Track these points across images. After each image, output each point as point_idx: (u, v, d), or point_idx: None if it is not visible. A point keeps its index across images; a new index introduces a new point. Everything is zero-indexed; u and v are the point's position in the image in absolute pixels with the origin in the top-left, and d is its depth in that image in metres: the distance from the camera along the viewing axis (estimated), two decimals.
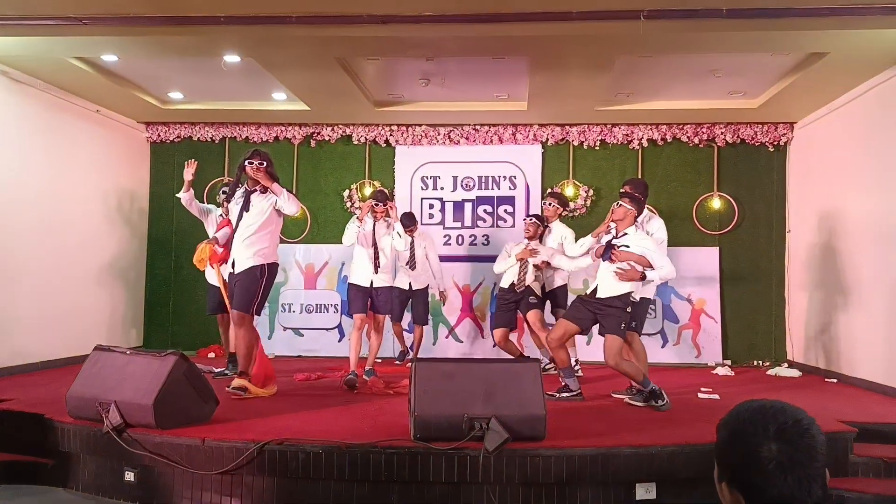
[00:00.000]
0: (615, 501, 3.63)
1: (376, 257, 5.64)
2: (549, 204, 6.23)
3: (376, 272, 5.63)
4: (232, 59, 5.77)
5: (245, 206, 4.95)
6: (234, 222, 5.00)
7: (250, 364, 4.92)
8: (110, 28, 4.81)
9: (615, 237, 4.87)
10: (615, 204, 4.91)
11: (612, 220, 4.96)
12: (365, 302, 5.64)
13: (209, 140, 7.98)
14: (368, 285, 5.64)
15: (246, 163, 4.88)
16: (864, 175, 6.07)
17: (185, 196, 5.88)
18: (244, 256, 4.93)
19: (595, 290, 4.86)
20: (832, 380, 6.33)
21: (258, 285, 4.95)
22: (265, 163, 4.91)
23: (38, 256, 6.30)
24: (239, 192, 5.05)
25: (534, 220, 6.09)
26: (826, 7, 4.42)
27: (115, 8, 4.52)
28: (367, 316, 5.67)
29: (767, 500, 1.22)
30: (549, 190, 7.38)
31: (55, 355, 6.44)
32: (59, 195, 6.57)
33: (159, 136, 8.00)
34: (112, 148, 7.45)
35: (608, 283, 4.77)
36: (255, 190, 4.98)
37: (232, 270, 4.97)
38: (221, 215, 5.80)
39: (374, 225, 5.72)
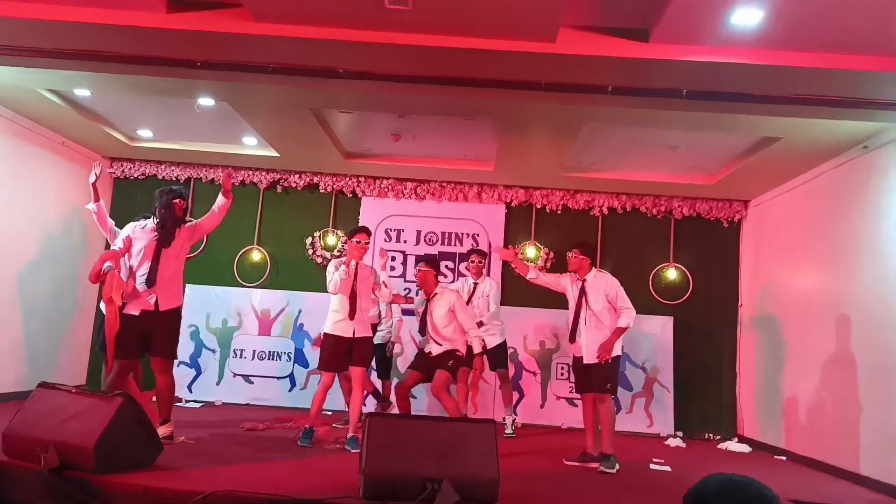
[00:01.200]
0: None
1: (353, 304, 5.13)
2: (472, 261, 6.46)
3: (352, 319, 5.12)
4: (206, 102, 5.85)
5: (166, 241, 4.73)
6: (137, 256, 4.69)
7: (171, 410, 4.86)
8: (88, 64, 4.84)
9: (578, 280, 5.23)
10: (570, 255, 5.25)
11: (571, 270, 5.22)
12: (344, 357, 5.14)
13: (175, 179, 7.95)
14: (350, 335, 5.14)
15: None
16: (811, 254, 6.36)
17: (94, 206, 5.20)
18: (170, 294, 4.71)
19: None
20: (781, 457, 6.42)
21: (179, 327, 4.89)
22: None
23: None
24: (150, 223, 4.80)
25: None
26: (780, 96, 4.70)
27: (94, 45, 4.56)
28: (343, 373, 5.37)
29: None
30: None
31: (18, 387, 6.31)
32: (13, 223, 6.45)
33: (123, 172, 7.94)
34: (74, 181, 7.35)
35: None
36: (182, 222, 4.86)
37: (152, 310, 4.65)
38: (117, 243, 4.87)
39: (356, 267, 5.22)
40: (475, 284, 6.45)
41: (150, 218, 4.90)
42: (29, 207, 6.66)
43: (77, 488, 3.49)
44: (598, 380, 4.96)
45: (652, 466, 5.37)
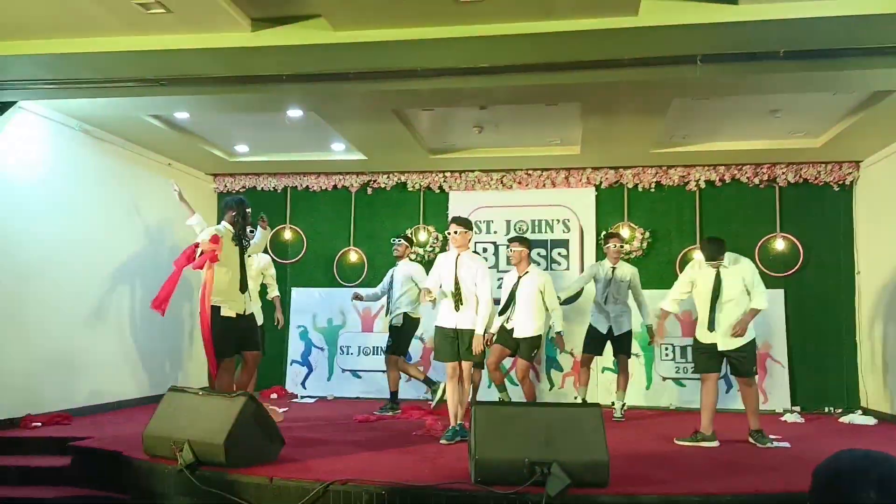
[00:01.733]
0: None
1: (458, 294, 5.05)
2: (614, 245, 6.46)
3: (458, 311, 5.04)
4: (294, 113, 6.13)
5: (245, 249, 5.40)
6: (225, 262, 5.14)
7: None
8: (184, 88, 5.18)
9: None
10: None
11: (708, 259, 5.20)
12: (454, 347, 5.05)
13: (272, 189, 8.38)
14: (454, 326, 5.07)
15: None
16: None
17: (195, 219, 5.79)
18: (249, 298, 5.46)
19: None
20: None
21: None
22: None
23: (118, 301, 6.75)
24: (222, 229, 5.28)
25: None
26: (888, 46, 4.39)
27: (190, 70, 4.88)
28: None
29: None
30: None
31: (130, 395, 6.83)
32: (135, 243, 7.04)
33: (226, 186, 8.44)
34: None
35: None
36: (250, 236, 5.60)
37: (242, 313, 5.23)
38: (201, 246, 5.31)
39: (457, 258, 5.14)
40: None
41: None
42: (142, 226, 7.20)
43: (213, 482, 3.80)
44: (746, 365, 5.14)
45: (769, 444, 5.18)
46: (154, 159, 7.42)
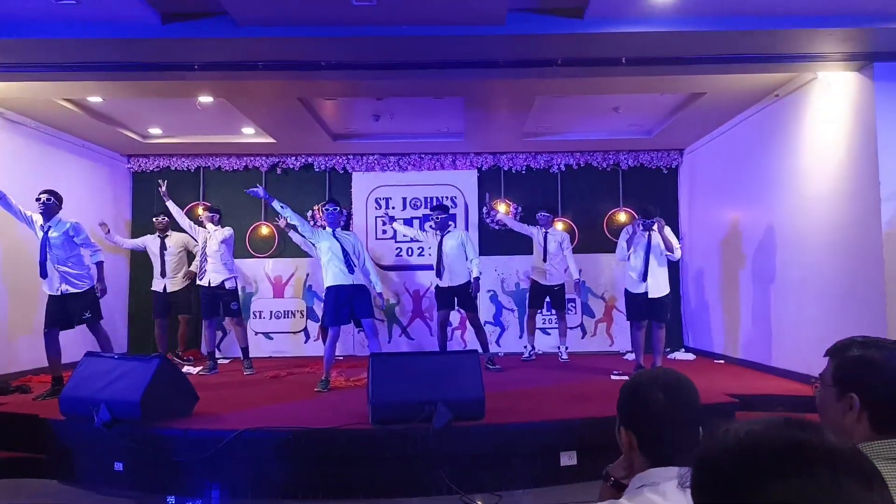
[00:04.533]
0: (543, 468, 3.73)
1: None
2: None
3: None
4: (206, 99, 5.78)
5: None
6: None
7: None
8: (96, 74, 4.75)
9: None
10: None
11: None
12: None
13: (185, 169, 7.88)
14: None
15: None
16: (738, 191, 6.47)
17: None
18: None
19: None
20: (720, 360, 6.69)
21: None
22: None
23: (29, 275, 6.09)
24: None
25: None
26: (700, 56, 4.69)
27: (101, 57, 4.47)
28: None
29: (654, 436, 1.33)
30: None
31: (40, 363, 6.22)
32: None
33: (140, 166, 7.84)
34: (98, 178, 7.28)
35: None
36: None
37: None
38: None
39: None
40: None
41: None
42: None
43: (130, 438, 3.60)
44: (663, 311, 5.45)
45: (612, 377, 5.56)
46: (69, 140, 6.76)
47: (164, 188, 6.58)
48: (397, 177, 7.96)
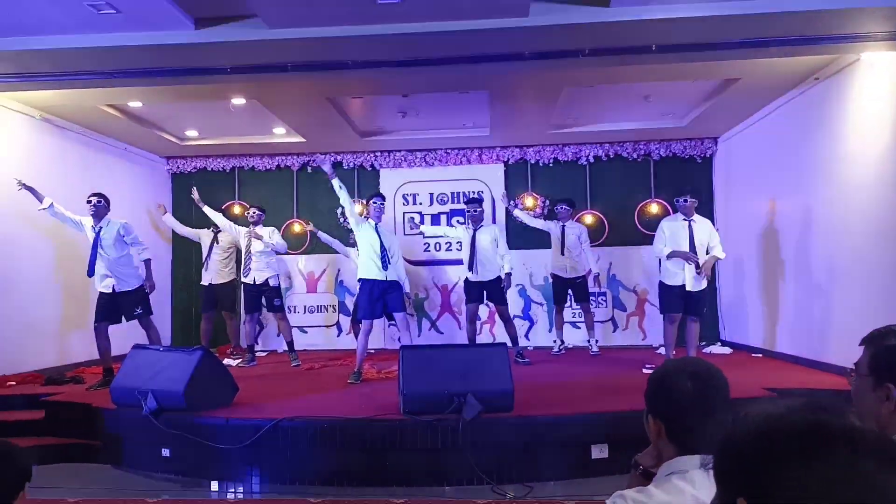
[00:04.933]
0: (574, 461, 3.75)
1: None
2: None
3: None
4: (238, 101, 5.96)
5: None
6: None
7: None
8: (133, 80, 4.96)
9: None
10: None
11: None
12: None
13: (221, 170, 8.13)
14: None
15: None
16: (778, 179, 6.28)
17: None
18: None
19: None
20: (757, 354, 6.56)
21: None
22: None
23: (82, 274, 6.42)
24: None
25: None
26: (734, 41, 4.58)
27: (140, 63, 4.67)
28: None
29: (682, 425, 1.33)
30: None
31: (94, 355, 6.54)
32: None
33: (178, 168, 8.12)
34: (139, 180, 7.58)
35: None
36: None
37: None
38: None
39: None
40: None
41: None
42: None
43: (175, 425, 3.78)
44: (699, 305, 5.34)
45: (644, 370, 5.53)
46: (111, 144, 7.06)
47: (196, 195, 6.92)
48: (424, 172, 8.04)
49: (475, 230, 6.18)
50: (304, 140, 7.42)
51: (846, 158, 5.12)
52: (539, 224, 7.06)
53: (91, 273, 5.14)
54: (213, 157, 8.09)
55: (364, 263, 5.26)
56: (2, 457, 1.54)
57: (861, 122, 4.94)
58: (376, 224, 5.32)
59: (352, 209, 5.32)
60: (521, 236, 7.76)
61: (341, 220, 7.19)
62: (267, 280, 6.39)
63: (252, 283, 6.38)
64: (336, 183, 5.28)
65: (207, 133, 7.44)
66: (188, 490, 3.69)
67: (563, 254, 6.73)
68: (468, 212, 6.27)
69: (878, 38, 4.45)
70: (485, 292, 6.18)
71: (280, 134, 7.42)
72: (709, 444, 1.26)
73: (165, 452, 3.81)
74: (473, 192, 7.93)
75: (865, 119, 4.89)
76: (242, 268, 6.48)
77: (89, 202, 5.23)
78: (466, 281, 6.31)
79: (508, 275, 6.07)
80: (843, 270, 5.17)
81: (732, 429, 0.73)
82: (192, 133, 7.40)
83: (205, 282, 7.07)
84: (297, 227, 8.15)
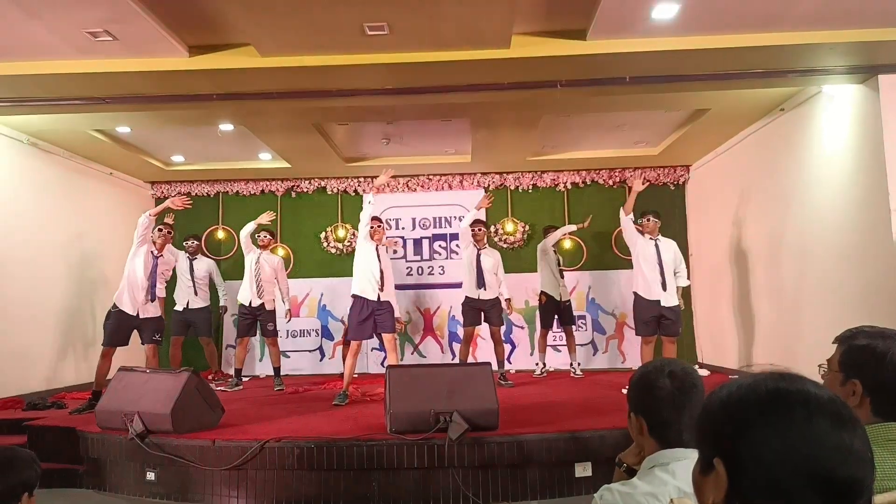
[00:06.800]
0: (558, 479, 3.79)
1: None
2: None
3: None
4: (226, 127, 6.03)
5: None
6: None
7: None
8: (125, 105, 5.01)
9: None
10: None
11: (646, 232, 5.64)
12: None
13: (205, 195, 8.14)
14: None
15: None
16: (747, 205, 6.52)
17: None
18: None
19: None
20: (734, 376, 6.63)
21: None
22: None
23: (66, 295, 6.43)
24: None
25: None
26: (704, 74, 4.79)
27: (130, 89, 4.73)
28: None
29: (661, 420, 1.40)
30: None
31: (83, 380, 6.48)
32: (79, 246, 6.69)
33: (162, 192, 8.10)
34: (123, 205, 7.55)
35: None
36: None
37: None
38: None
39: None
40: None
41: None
42: (87, 232, 6.85)
43: (161, 447, 3.75)
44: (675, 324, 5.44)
45: (624, 392, 5.58)
46: (97, 169, 7.05)
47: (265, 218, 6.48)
48: (406, 198, 8.15)
49: (479, 251, 6.31)
50: (289, 166, 7.48)
51: (812, 185, 5.34)
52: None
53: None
54: (197, 182, 8.10)
55: (360, 281, 5.31)
56: (5, 463, 1.57)
57: (824, 151, 5.18)
58: (377, 245, 5.40)
59: (365, 229, 5.40)
60: (504, 260, 7.85)
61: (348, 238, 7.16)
62: (262, 304, 6.39)
63: (248, 305, 6.33)
64: (370, 197, 5.43)
65: (194, 158, 7.47)
66: None
67: (561, 276, 6.90)
68: (475, 232, 6.33)
69: (836, 72, 4.70)
70: (482, 313, 6.26)
71: (266, 160, 7.48)
72: (687, 438, 1.35)
73: (150, 476, 3.76)
74: (455, 217, 8.05)
75: (828, 147, 5.12)
76: (255, 290, 6.37)
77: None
78: (466, 301, 6.32)
79: (508, 300, 6.32)
80: (810, 290, 5.36)
81: (708, 398, 0.83)
82: (178, 158, 7.42)
83: (179, 306, 6.95)
84: (280, 252, 8.15)
